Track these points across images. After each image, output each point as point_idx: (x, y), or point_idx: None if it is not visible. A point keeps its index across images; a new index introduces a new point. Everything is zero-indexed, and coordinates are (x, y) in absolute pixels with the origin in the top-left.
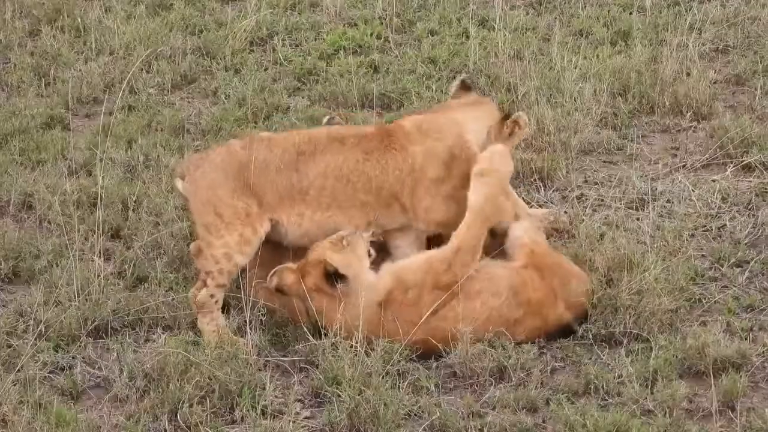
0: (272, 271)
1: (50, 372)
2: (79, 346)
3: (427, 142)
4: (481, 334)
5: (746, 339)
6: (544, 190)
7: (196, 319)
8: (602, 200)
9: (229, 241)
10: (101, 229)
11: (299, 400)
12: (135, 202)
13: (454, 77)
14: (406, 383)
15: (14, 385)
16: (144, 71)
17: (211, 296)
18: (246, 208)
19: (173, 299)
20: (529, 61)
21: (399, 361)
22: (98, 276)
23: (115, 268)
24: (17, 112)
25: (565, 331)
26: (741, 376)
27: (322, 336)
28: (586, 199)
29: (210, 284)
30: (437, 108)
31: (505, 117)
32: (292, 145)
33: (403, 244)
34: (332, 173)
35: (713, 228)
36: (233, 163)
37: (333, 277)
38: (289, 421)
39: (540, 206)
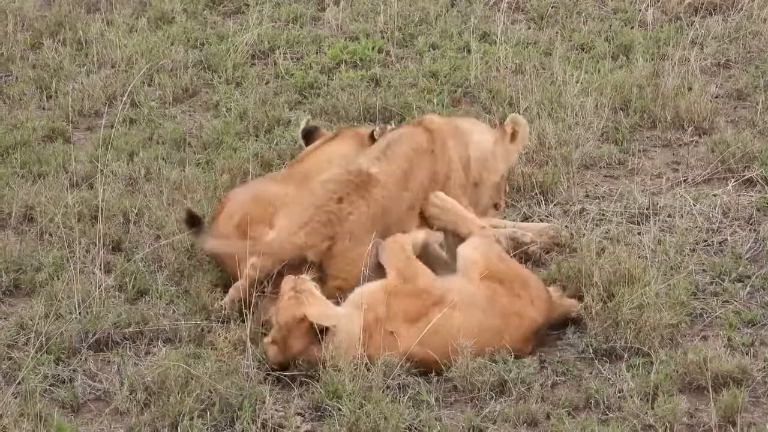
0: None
1: (51, 385)
2: (80, 358)
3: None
4: (476, 350)
5: (747, 354)
6: (546, 204)
7: None
8: (603, 214)
9: None
10: (102, 241)
11: (299, 414)
12: (136, 215)
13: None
14: (406, 397)
15: (15, 397)
16: (145, 84)
17: None
18: None
19: (174, 312)
20: (530, 76)
21: (399, 375)
22: (99, 289)
23: (116, 280)
24: (19, 124)
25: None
26: (742, 392)
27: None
28: (588, 214)
29: None
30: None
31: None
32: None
33: None
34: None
35: (714, 243)
36: None
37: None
38: None
39: (541, 220)
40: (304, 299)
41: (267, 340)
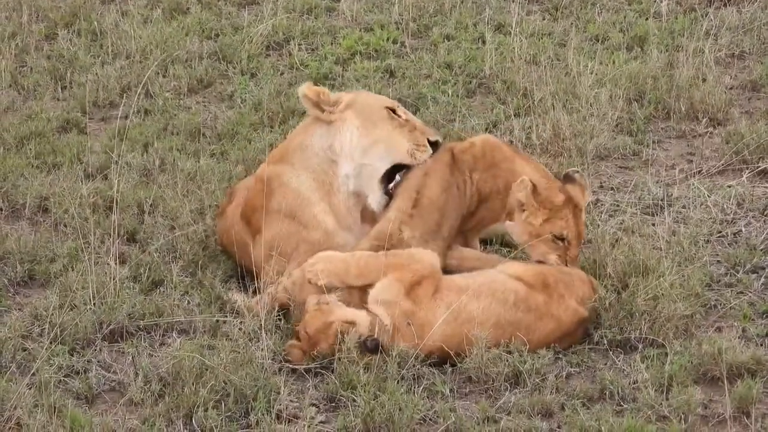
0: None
1: (65, 375)
2: (95, 349)
3: None
4: (493, 341)
5: (762, 345)
6: None
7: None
8: (618, 205)
9: None
10: (117, 232)
11: (314, 405)
12: (150, 205)
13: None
14: (421, 388)
15: (29, 388)
16: (160, 75)
17: None
18: None
19: (188, 303)
20: (545, 67)
21: (414, 366)
22: (113, 279)
23: (131, 271)
24: (34, 115)
25: (586, 332)
26: (756, 382)
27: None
28: (602, 205)
29: None
30: None
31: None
32: None
33: None
34: None
35: (729, 234)
36: None
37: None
38: (304, 425)
39: None
40: (329, 309)
41: (292, 343)
